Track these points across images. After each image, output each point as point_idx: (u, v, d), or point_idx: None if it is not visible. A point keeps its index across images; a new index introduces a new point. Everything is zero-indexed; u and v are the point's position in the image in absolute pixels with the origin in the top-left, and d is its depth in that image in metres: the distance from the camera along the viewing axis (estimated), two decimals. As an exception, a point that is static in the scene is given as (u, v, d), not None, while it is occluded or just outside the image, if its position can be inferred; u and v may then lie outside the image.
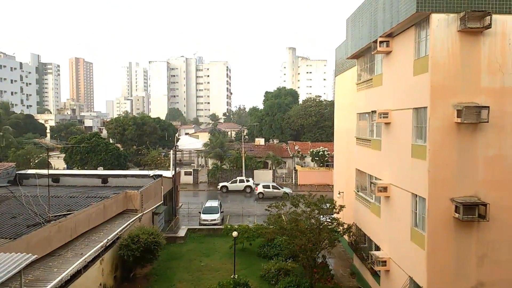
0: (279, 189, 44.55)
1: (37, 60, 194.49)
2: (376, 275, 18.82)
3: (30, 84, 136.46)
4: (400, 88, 15.96)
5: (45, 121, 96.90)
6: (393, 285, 16.63)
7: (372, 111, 18.54)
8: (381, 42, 16.74)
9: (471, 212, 12.87)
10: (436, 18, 13.23)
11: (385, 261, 17.02)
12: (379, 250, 18.13)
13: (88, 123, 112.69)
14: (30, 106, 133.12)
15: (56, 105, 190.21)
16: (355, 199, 22.34)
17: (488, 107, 12.84)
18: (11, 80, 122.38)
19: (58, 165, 54.34)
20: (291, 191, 43.48)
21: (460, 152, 13.31)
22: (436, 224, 13.43)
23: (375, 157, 18.92)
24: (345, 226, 21.29)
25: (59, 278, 14.06)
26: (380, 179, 17.85)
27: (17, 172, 31.06)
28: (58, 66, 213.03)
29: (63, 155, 51.77)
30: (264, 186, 45.70)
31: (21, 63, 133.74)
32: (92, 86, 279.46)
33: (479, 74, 13.27)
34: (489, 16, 12.65)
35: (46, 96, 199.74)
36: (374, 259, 17.38)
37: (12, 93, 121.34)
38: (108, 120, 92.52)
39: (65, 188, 28.21)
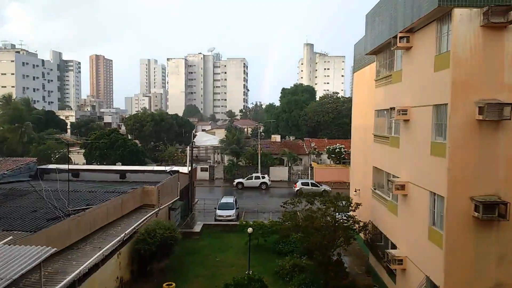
0: (319, 187, 43.98)
1: (59, 58, 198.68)
2: (392, 273, 18.59)
3: (51, 81, 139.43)
4: (420, 85, 15.66)
5: (66, 117, 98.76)
6: (409, 284, 16.39)
7: (391, 108, 18.26)
8: (401, 37, 16.43)
9: (491, 211, 12.55)
10: (458, 13, 12.89)
11: (401, 260, 16.79)
12: (396, 249, 17.89)
13: (107, 119, 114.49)
14: (52, 102, 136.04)
15: (76, 101, 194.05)
16: (372, 197, 22.08)
17: (511, 104, 12.47)
18: (34, 77, 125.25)
19: (78, 160, 55.41)
20: (330, 189, 42.88)
21: (481, 150, 12.98)
22: (455, 223, 13.15)
23: (393, 154, 18.64)
24: (361, 224, 21.08)
25: (78, 270, 14.32)
26: (398, 177, 17.58)
27: (38, 167, 31.76)
28: (79, 63, 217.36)
29: (83, 150, 52.73)
30: (303, 184, 45.17)
31: (43, 61, 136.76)
32: (111, 83, 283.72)
33: (502, 70, 12.89)
34: (514, 10, 12.26)
35: (67, 93, 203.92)
36: (390, 258, 17.17)
37: (34, 90, 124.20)
38: (126, 116, 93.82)
39: (84, 183, 28.69)
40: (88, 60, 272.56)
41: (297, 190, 44.21)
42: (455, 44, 12.93)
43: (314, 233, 19.48)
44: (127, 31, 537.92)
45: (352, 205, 21.63)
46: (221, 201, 34.35)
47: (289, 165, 56.17)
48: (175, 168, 33.43)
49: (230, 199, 34.82)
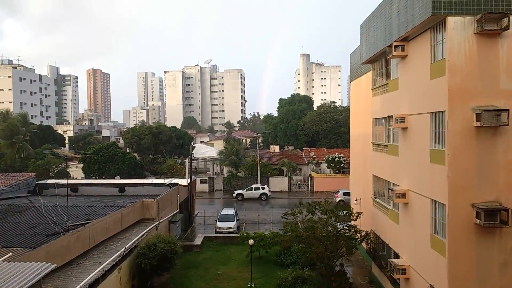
0: None
1: (56, 72, 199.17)
2: (395, 283, 18.45)
3: (49, 95, 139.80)
4: (417, 92, 15.75)
5: (64, 131, 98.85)
6: (414, 293, 16.26)
7: (389, 116, 18.32)
8: (396, 46, 16.58)
9: (493, 218, 12.52)
10: (452, 21, 13.04)
11: (404, 269, 16.68)
12: (398, 258, 17.79)
13: (105, 133, 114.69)
14: (49, 117, 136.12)
15: (74, 116, 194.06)
16: (373, 206, 22.03)
17: (508, 110, 12.52)
18: (31, 92, 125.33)
19: (77, 174, 55.22)
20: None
21: (480, 157, 13.00)
22: (457, 230, 13.11)
23: (393, 162, 18.65)
24: (363, 233, 20.98)
25: (78, 287, 14.18)
26: (398, 185, 17.56)
27: (36, 182, 31.64)
28: (76, 77, 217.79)
29: (81, 165, 52.62)
30: (344, 194, 43.03)
31: (40, 75, 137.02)
32: (109, 96, 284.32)
33: (497, 77, 12.99)
34: (507, 18, 12.40)
35: (64, 107, 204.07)
36: (393, 267, 17.05)
37: (32, 105, 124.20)
38: (124, 129, 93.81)
39: (83, 198, 28.58)
40: (85, 74, 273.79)
41: (339, 200, 40.97)
42: (450, 52, 13.05)
43: (315, 243, 19.38)
44: (124, 45, 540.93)
45: (353, 214, 21.56)
46: (221, 213, 34.17)
47: (289, 175, 56.08)
48: (174, 180, 33.33)
49: (230, 211, 34.64)
